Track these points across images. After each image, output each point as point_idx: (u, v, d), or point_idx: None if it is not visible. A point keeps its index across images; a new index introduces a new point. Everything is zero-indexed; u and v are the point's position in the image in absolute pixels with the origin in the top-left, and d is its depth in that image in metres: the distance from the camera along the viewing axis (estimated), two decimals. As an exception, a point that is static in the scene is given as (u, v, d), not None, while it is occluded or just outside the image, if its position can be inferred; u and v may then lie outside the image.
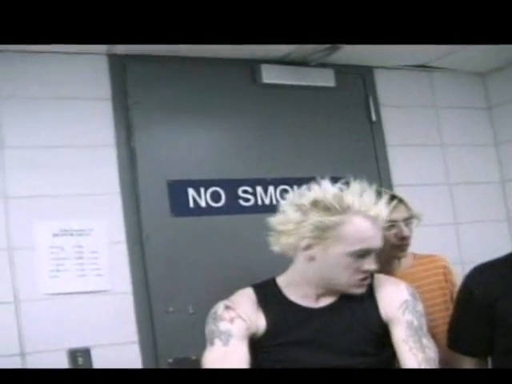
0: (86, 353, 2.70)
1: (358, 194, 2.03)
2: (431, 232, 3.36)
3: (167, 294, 2.91)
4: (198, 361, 2.09)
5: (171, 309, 2.91)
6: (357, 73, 3.57)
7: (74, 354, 2.69)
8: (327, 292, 2.09)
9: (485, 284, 2.24)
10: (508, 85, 3.78)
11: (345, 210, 2.00)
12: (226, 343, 1.98)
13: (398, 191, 3.43)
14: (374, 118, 3.55)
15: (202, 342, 2.11)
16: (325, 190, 2.04)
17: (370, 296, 2.12)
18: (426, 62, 3.66)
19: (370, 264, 2.04)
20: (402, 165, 3.56)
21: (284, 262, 2.17)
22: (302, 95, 3.39)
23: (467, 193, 3.71)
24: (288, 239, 2.04)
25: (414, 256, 2.69)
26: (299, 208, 2.03)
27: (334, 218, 1.98)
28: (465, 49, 3.43)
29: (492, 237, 3.69)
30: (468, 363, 2.29)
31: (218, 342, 1.99)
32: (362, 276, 2.05)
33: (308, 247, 2.02)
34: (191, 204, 3.05)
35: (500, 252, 3.89)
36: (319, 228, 1.99)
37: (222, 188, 3.12)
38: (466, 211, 3.69)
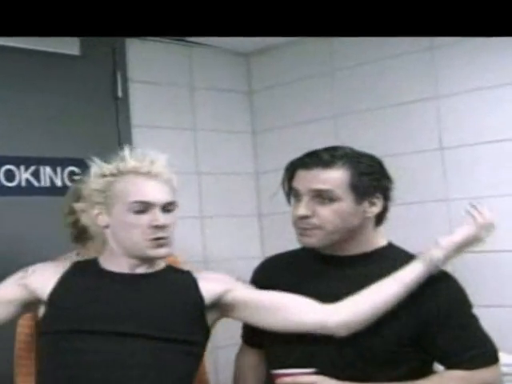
0: None
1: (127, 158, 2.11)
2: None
3: None
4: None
5: None
6: (106, 42, 3.16)
7: None
8: (139, 262, 2.05)
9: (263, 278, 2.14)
10: (270, 69, 3.53)
11: (115, 174, 2.05)
12: None
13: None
14: (119, 94, 3.19)
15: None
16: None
17: (190, 281, 2.08)
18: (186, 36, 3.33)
19: (154, 219, 1.99)
20: (148, 148, 3.22)
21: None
22: (41, 62, 3.00)
23: (217, 183, 3.43)
24: (91, 212, 2.06)
25: None
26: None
27: (105, 180, 2.04)
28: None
29: (241, 232, 3.44)
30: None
31: None
32: (152, 234, 2.00)
33: (98, 215, 2.06)
34: None
35: (250, 249, 3.66)
36: (96, 193, 2.04)
37: None
38: (215, 203, 3.41)
